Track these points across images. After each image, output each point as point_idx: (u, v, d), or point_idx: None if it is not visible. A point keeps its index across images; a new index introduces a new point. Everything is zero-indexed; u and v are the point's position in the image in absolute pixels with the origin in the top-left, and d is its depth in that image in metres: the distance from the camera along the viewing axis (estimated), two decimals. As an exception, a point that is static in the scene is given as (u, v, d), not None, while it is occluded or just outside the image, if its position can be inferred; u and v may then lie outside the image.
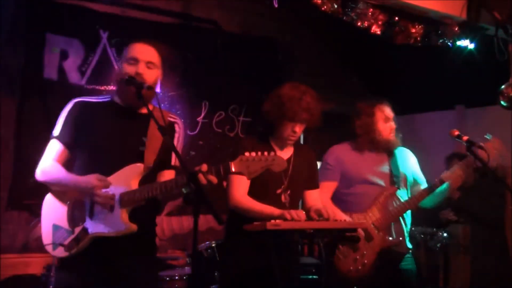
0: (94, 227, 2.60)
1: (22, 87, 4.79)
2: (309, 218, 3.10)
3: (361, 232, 3.47)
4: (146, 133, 2.72)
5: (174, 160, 2.80)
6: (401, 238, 3.64)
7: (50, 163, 2.69)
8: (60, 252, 2.63)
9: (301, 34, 6.43)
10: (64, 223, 2.65)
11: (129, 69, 2.66)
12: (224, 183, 3.25)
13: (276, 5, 4.11)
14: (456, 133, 3.56)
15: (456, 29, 4.70)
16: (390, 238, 3.59)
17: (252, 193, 3.19)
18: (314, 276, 4.26)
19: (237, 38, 5.91)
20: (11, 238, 4.59)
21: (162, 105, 2.75)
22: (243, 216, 3.11)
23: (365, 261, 3.50)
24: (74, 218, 2.64)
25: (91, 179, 2.57)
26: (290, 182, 3.25)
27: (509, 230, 5.24)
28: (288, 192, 3.25)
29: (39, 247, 2.72)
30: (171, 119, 2.85)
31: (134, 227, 2.58)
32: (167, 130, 2.70)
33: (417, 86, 5.99)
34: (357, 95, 6.20)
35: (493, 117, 5.43)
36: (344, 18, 4.38)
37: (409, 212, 3.70)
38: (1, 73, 4.69)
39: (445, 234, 5.29)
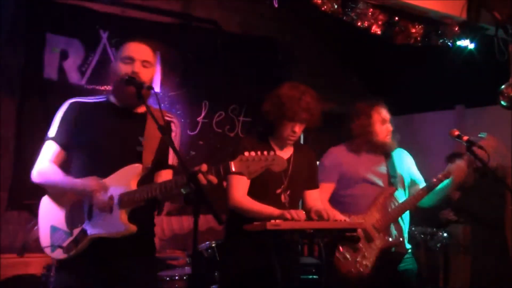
0: (93, 228, 2.58)
1: (22, 87, 4.79)
2: (309, 218, 3.10)
3: (360, 233, 3.47)
4: (143, 133, 2.70)
5: (171, 160, 2.79)
6: (401, 239, 3.64)
7: (46, 164, 2.67)
8: (59, 254, 2.62)
9: (301, 34, 6.43)
10: (62, 224, 2.64)
11: (125, 69, 2.64)
12: (224, 183, 3.25)
13: (276, 5, 4.11)
14: (456, 133, 3.56)
15: (456, 29, 4.70)
16: (390, 239, 3.59)
17: (252, 193, 3.19)
18: (314, 276, 4.25)
19: (237, 38, 5.91)
20: (11, 238, 4.59)
21: (162, 105, 2.75)
22: (243, 216, 3.11)
23: (366, 263, 3.50)
24: (73, 219, 2.62)
25: (89, 182, 2.56)
26: (290, 182, 3.25)
27: (509, 230, 5.24)
28: (288, 192, 3.25)
29: (39, 248, 2.71)
30: (168, 118, 2.83)
31: (133, 228, 2.57)
32: (167, 130, 2.69)
33: (417, 86, 5.98)
34: (357, 95, 6.20)
35: (493, 117, 5.43)
36: (344, 18, 4.38)
37: (407, 212, 3.70)
38: (1, 73, 4.69)
39: (445, 234, 5.29)
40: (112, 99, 2.76)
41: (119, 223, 2.56)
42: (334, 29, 5.67)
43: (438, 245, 5.27)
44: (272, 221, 2.83)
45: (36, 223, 2.71)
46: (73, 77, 5.00)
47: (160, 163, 2.75)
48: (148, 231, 2.81)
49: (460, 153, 3.68)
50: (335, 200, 3.65)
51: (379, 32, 4.50)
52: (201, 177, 2.39)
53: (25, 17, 4.82)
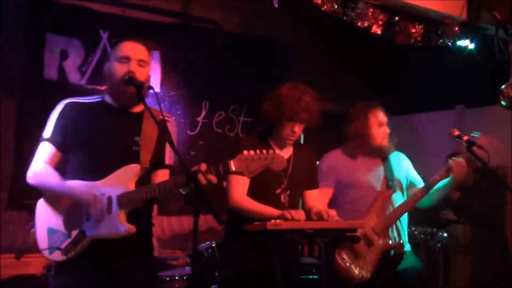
0: (92, 229, 2.56)
1: (22, 87, 4.79)
2: (309, 218, 3.11)
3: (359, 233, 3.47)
4: (140, 133, 2.69)
5: (168, 159, 2.78)
6: (401, 241, 3.64)
7: (42, 166, 2.64)
8: (57, 256, 2.59)
9: (301, 34, 6.43)
10: (60, 226, 2.61)
11: (121, 68, 2.62)
12: (224, 183, 3.25)
13: (276, 5, 4.11)
14: (456, 133, 3.56)
15: (456, 29, 4.70)
16: (390, 242, 3.59)
17: (252, 193, 3.19)
18: (314, 276, 4.25)
19: (237, 38, 5.91)
20: (11, 238, 4.59)
21: (163, 105, 2.74)
22: (243, 216, 3.12)
23: (368, 267, 3.49)
24: (70, 221, 2.60)
25: (85, 193, 2.54)
26: (289, 182, 3.25)
27: (509, 230, 5.24)
28: (288, 192, 3.25)
29: (38, 248, 2.70)
30: (163, 117, 2.77)
31: (132, 228, 2.56)
32: (166, 130, 2.67)
33: (417, 86, 5.98)
34: (357, 95, 6.20)
35: (493, 117, 5.42)
36: (344, 18, 4.38)
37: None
38: (1, 73, 4.68)
39: (445, 234, 5.29)
40: (108, 99, 2.74)
41: (118, 223, 2.54)
42: (334, 29, 5.67)
43: (438, 245, 5.27)
44: (272, 221, 2.83)
45: (33, 225, 2.68)
46: (73, 77, 4.99)
47: (157, 162, 2.73)
48: (147, 231, 2.79)
49: (459, 152, 3.67)
50: (334, 206, 3.62)
51: (379, 32, 4.50)
52: (200, 177, 2.39)
53: (25, 17, 4.82)
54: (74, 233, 2.58)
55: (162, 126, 2.53)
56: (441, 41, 4.73)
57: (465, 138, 3.50)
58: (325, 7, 4.22)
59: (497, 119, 5.23)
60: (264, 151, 2.53)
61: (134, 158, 2.64)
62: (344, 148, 3.77)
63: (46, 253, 2.61)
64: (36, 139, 2.74)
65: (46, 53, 4.87)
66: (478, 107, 5.93)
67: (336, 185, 3.68)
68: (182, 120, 5.55)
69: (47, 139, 2.67)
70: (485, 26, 4.71)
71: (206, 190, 2.34)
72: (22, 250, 3.82)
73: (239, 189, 3.17)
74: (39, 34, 4.85)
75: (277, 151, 3.18)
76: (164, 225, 5.30)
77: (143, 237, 2.74)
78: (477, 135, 3.53)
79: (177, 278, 4.04)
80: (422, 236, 5.32)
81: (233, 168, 2.48)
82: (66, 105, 2.70)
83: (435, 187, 3.60)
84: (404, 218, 3.73)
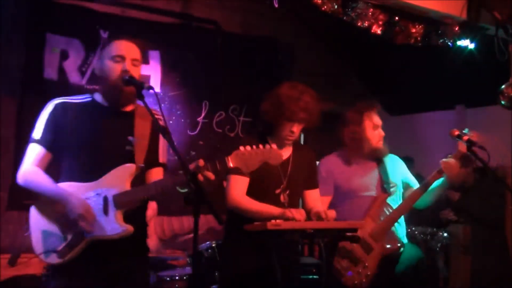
0: (88, 232, 2.52)
1: (22, 87, 4.79)
2: (309, 218, 3.11)
3: (358, 246, 3.47)
4: (133, 132, 2.66)
5: (161, 157, 2.76)
6: (399, 244, 3.63)
7: (31, 168, 2.60)
8: (53, 259, 2.55)
9: (301, 34, 6.43)
10: (55, 229, 2.56)
11: (116, 67, 2.59)
12: (224, 183, 3.25)
13: (276, 5, 4.10)
14: (456, 133, 3.56)
15: (457, 29, 4.70)
16: (388, 246, 3.58)
17: (251, 193, 3.18)
18: (314, 276, 4.25)
19: (237, 38, 5.91)
20: (11, 238, 4.59)
21: (163, 105, 2.74)
22: (242, 216, 3.11)
23: (368, 273, 3.49)
24: (66, 223, 2.54)
25: (76, 206, 2.48)
26: (289, 182, 3.25)
27: (509, 230, 5.24)
28: (287, 192, 3.24)
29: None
30: (156, 116, 2.70)
31: (130, 228, 2.55)
32: (166, 130, 2.66)
33: (417, 86, 5.99)
34: (357, 95, 6.22)
35: (493, 117, 5.43)
36: (344, 18, 4.37)
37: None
38: (1, 73, 4.69)
39: (445, 234, 5.29)
40: (98, 98, 2.70)
41: (116, 224, 2.53)
42: (334, 29, 5.67)
43: (438, 245, 5.27)
44: (273, 221, 2.83)
45: (27, 229, 2.63)
46: (74, 77, 4.99)
47: (151, 161, 2.71)
48: (143, 231, 2.77)
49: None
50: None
51: (379, 32, 4.50)
52: (199, 175, 2.38)
53: (25, 17, 4.82)
54: (70, 235, 2.54)
55: (162, 127, 2.50)
56: (441, 41, 4.73)
57: (465, 138, 3.50)
58: (325, 7, 4.22)
59: (497, 119, 5.24)
60: (261, 146, 2.53)
61: (129, 157, 2.62)
62: (340, 153, 3.76)
63: (42, 257, 2.56)
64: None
65: (46, 53, 4.87)
66: (478, 107, 5.94)
67: (334, 191, 3.68)
68: (182, 120, 5.55)
69: (37, 141, 2.63)
70: (485, 26, 4.71)
71: (206, 190, 2.33)
72: (16, 257, 3.80)
73: (237, 188, 3.17)
74: (39, 34, 4.85)
75: (277, 151, 3.18)
76: (164, 225, 5.30)
77: (139, 238, 2.72)
78: (466, 133, 3.54)
79: (177, 278, 4.04)
80: (422, 236, 5.32)
81: (231, 164, 2.48)
82: (56, 105, 2.66)
83: (430, 187, 3.60)
84: (402, 219, 3.72)
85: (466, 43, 4.80)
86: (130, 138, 2.65)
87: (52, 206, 2.57)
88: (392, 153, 3.85)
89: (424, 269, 3.90)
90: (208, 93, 5.71)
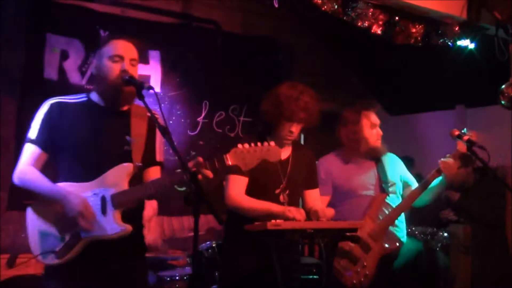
0: (87, 231, 2.50)
1: (22, 87, 4.78)
2: (309, 218, 3.11)
3: (357, 247, 3.47)
4: (130, 131, 2.65)
5: (158, 156, 2.75)
6: (398, 244, 3.63)
7: (28, 168, 2.59)
8: (51, 260, 2.52)
9: (301, 34, 6.43)
10: (52, 229, 2.54)
11: (115, 67, 2.58)
12: (224, 183, 3.25)
13: (276, 5, 4.10)
14: (457, 133, 3.56)
15: (457, 29, 4.70)
16: (387, 245, 3.58)
17: (251, 193, 3.19)
18: (314, 276, 4.25)
19: (237, 38, 5.91)
20: (11, 238, 4.59)
21: (163, 105, 2.73)
22: (242, 216, 3.12)
23: (367, 272, 3.49)
24: (63, 223, 2.53)
25: (75, 205, 2.46)
26: (288, 182, 3.25)
27: (509, 230, 5.24)
28: (287, 192, 3.24)
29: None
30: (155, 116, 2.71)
31: (129, 227, 2.54)
32: (165, 130, 2.65)
33: (417, 86, 5.98)
34: (357, 95, 6.21)
35: (493, 117, 5.43)
36: (345, 18, 4.37)
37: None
38: (1, 73, 4.68)
39: (445, 234, 5.29)
40: (95, 98, 2.69)
41: (114, 224, 2.52)
42: (334, 29, 5.67)
43: (439, 245, 5.27)
44: (273, 221, 2.83)
45: (25, 230, 2.60)
46: (74, 77, 4.99)
47: (148, 160, 2.71)
48: (140, 231, 2.76)
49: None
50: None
51: (379, 32, 4.50)
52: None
53: (25, 17, 4.82)
54: (68, 235, 2.53)
55: (163, 127, 2.49)
56: (441, 41, 4.73)
57: (466, 138, 3.51)
58: (325, 7, 4.22)
59: (497, 119, 5.24)
60: (259, 143, 2.53)
61: (127, 157, 2.61)
62: (338, 152, 3.76)
63: (40, 258, 2.54)
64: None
65: (46, 53, 4.86)
66: (478, 107, 5.94)
67: (333, 191, 3.68)
68: (182, 120, 5.55)
69: (32, 141, 2.61)
70: (485, 26, 4.71)
71: (205, 190, 2.33)
72: (14, 258, 3.79)
73: (236, 188, 3.17)
74: (39, 34, 4.85)
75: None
76: (164, 225, 5.30)
77: (137, 237, 2.71)
78: (465, 133, 3.54)
79: (177, 278, 4.05)
80: (422, 236, 5.32)
81: (229, 162, 2.48)
82: (52, 105, 2.64)
83: (429, 186, 3.60)
84: (402, 218, 3.72)
85: (466, 43, 4.80)
86: (127, 138, 2.64)
87: (50, 206, 2.55)
88: (392, 153, 3.85)
89: (423, 262, 3.91)
90: (208, 93, 5.71)
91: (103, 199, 2.54)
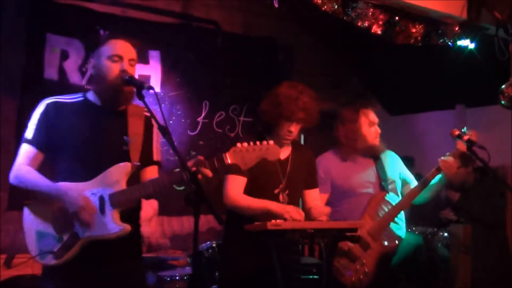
0: (85, 231, 2.51)
1: (22, 87, 4.78)
2: (308, 218, 3.11)
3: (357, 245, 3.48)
4: (127, 131, 2.65)
5: (155, 155, 2.75)
6: (397, 242, 3.63)
7: (25, 168, 2.59)
8: (49, 260, 2.52)
9: (301, 34, 6.43)
10: (49, 229, 2.53)
11: (114, 67, 2.58)
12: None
13: (276, 5, 4.10)
14: (457, 133, 3.57)
15: (457, 28, 4.70)
16: (386, 243, 3.58)
17: (250, 193, 3.19)
18: (314, 276, 4.25)
19: (237, 38, 5.91)
20: (11, 238, 4.58)
21: (163, 105, 2.73)
22: (242, 216, 3.12)
23: (366, 270, 3.49)
24: (61, 223, 2.52)
25: (75, 199, 2.46)
26: (288, 182, 3.25)
27: (510, 230, 5.24)
28: (287, 192, 3.25)
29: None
30: (147, 114, 2.70)
31: (128, 227, 2.53)
32: (165, 130, 2.65)
33: (417, 85, 5.98)
34: (357, 95, 6.21)
35: (493, 117, 5.43)
36: (345, 18, 4.37)
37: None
38: (1, 73, 4.68)
39: (445, 234, 5.28)
40: (92, 97, 2.68)
41: (113, 223, 2.52)
42: (334, 29, 5.66)
43: (439, 245, 5.27)
44: (273, 221, 2.83)
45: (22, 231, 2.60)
46: (74, 77, 4.99)
47: (145, 159, 2.70)
48: (138, 231, 2.76)
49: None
50: (332, 212, 3.62)
51: (379, 32, 4.50)
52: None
53: (25, 17, 4.81)
54: (66, 235, 2.52)
55: (163, 127, 2.48)
56: (441, 41, 4.73)
57: (466, 137, 3.51)
58: (325, 7, 4.22)
59: (498, 119, 5.24)
60: (258, 142, 2.53)
61: (125, 157, 2.61)
62: (336, 151, 3.75)
63: (38, 258, 2.53)
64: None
65: (46, 53, 4.86)
66: (478, 107, 5.94)
67: (332, 191, 3.68)
68: (183, 120, 5.55)
69: (28, 141, 2.61)
70: (485, 26, 4.71)
71: (205, 189, 2.33)
72: (11, 258, 3.78)
73: (234, 188, 3.18)
74: (39, 34, 4.85)
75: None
76: (164, 225, 5.30)
77: (135, 237, 2.71)
78: (465, 132, 3.55)
79: (177, 278, 4.05)
80: (422, 236, 5.32)
81: (228, 160, 2.48)
82: (48, 105, 2.63)
83: (429, 184, 3.60)
84: (402, 216, 3.72)
85: (466, 43, 4.80)
86: (125, 137, 2.64)
87: (47, 206, 2.55)
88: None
89: (423, 256, 3.92)
90: (208, 93, 5.70)
91: (101, 199, 2.53)
